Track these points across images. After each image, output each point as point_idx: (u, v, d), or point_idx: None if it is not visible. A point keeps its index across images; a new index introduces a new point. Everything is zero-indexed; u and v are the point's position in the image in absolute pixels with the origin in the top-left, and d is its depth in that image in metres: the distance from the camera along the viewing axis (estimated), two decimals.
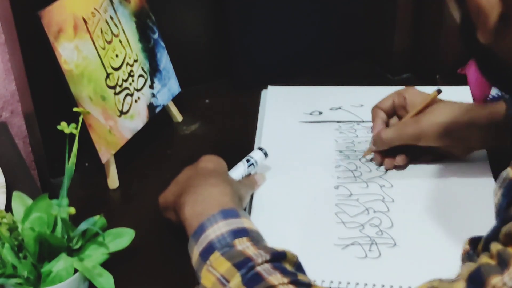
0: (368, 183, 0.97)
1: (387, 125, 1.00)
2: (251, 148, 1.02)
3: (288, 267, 0.73)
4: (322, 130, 1.09)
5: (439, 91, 0.96)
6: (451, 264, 0.81)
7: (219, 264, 0.73)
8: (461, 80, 1.16)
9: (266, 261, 0.72)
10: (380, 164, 1.00)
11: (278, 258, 0.73)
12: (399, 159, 0.98)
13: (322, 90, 1.18)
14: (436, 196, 0.94)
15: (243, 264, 0.72)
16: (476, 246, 0.65)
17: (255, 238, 0.77)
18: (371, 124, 1.08)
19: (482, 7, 0.60)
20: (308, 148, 1.05)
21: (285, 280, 0.70)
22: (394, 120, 1.01)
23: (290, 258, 0.74)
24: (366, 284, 0.82)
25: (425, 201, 0.94)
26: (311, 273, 0.82)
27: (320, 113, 1.12)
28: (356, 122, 1.10)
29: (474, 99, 1.16)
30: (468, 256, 0.67)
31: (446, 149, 0.96)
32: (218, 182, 0.85)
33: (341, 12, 1.26)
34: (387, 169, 0.99)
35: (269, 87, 1.18)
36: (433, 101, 0.96)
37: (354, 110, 1.13)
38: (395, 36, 1.24)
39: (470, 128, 0.92)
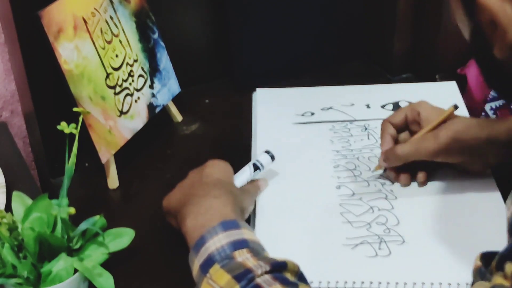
0: (369, 181, 0.97)
1: (395, 140, 0.96)
2: (251, 149, 1.02)
3: (290, 277, 0.72)
4: (316, 131, 1.08)
5: (456, 107, 0.92)
6: (460, 257, 0.82)
7: (219, 276, 0.72)
8: (461, 80, 1.16)
9: (266, 272, 0.71)
10: (395, 181, 0.96)
11: (279, 269, 0.72)
12: (421, 176, 0.94)
13: (311, 91, 1.18)
14: (438, 192, 0.94)
15: (243, 276, 0.71)
16: (487, 262, 0.64)
17: (256, 249, 0.76)
18: (363, 122, 1.08)
19: (499, 23, 0.58)
20: (305, 149, 1.04)
21: None
22: (405, 135, 0.97)
23: (291, 267, 0.73)
24: (380, 283, 0.81)
25: (428, 197, 0.94)
26: (323, 275, 0.82)
27: (312, 113, 1.12)
28: (349, 121, 1.10)
29: (474, 99, 1.16)
30: (480, 273, 0.65)
31: (462, 165, 0.94)
32: (221, 193, 0.84)
33: (341, 12, 1.26)
34: (404, 185, 0.95)
35: (258, 89, 1.16)
36: (449, 117, 0.92)
37: (345, 110, 1.13)
38: (395, 36, 1.24)
39: (489, 144, 0.89)
